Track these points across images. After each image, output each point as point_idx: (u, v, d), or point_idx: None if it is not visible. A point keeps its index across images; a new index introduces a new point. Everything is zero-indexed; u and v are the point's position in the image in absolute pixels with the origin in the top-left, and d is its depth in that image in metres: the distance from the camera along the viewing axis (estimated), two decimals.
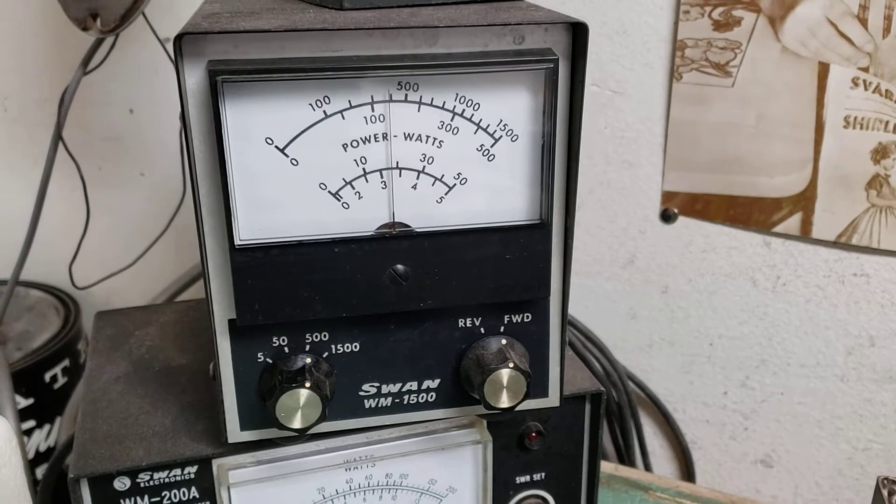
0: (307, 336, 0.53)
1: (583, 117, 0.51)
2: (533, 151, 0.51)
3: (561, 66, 0.50)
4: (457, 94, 0.49)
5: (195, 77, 0.46)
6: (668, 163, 0.94)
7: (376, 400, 0.56)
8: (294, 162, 0.49)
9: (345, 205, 0.50)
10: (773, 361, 0.99)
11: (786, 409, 1.00)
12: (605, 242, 1.01)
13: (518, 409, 0.55)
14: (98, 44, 0.92)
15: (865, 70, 0.84)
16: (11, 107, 1.17)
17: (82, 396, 0.63)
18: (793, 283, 0.95)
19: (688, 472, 1.06)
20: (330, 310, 0.52)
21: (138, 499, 0.55)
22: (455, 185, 0.51)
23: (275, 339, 0.53)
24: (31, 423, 1.05)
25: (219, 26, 0.46)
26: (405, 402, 0.57)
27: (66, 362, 1.09)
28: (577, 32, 0.50)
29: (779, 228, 0.93)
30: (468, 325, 0.56)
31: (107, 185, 1.16)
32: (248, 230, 0.50)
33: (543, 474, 0.64)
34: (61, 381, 1.08)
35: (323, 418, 0.52)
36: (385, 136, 0.49)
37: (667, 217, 0.97)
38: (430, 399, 0.57)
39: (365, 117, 0.49)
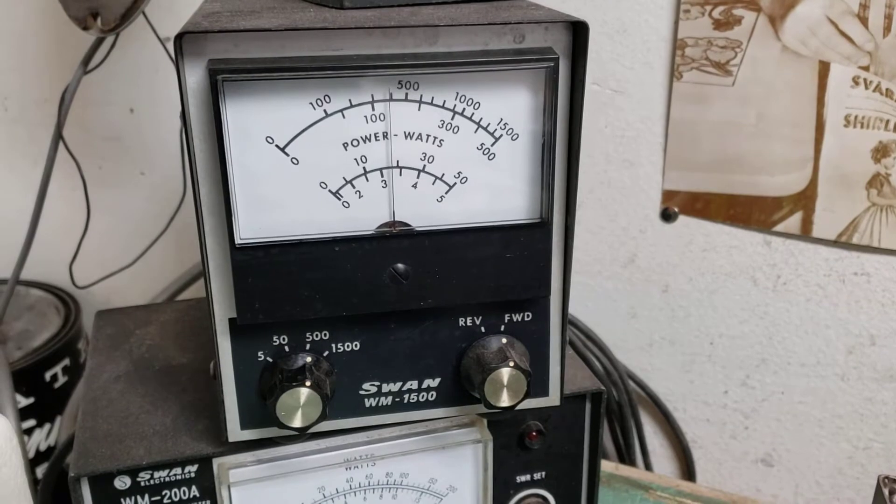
0: (307, 335, 0.53)
1: (583, 116, 0.51)
2: (533, 150, 0.51)
3: (561, 65, 0.49)
4: (457, 93, 0.49)
5: (196, 76, 0.46)
6: (668, 162, 0.94)
7: (377, 399, 0.56)
8: (294, 161, 0.49)
9: (345, 204, 0.50)
10: (773, 360, 0.99)
11: (786, 409, 1.00)
12: (606, 241, 1.01)
13: (518, 408, 0.55)
14: (98, 43, 0.92)
15: (866, 69, 0.84)
16: (11, 106, 1.17)
17: (83, 395, 0.63)
18: (793, 283, 0.95)
19: (688, 472, 1.06)
20: (330, 309, 0.52)
21: (139, 498, 0.55)
22: (455, 184, 0.51)
23: (275, 338, 0.53)
24: (31, 423, 1.05)
25: (219, 25, 0.46)
26: (405, 401, 0.57)
27: (66, 361, 1.09)
28: (578, 31, 0.49)
29: (779, 227, 0.93)
30: (468, 324, 0.56)
31: (107, 185, 1.16)
32: (249, 229, 0.50)
33: (544, 473, 0.64)
34: (61, 380, 1.08)
35: (323, 417, 0.51)
36: (385, 135, 0.49)
37: (667, 216, 0.97)
38: (430, 398, 0.57)
39: (365, 116, 0.48)
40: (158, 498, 0.55)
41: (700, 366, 1.02)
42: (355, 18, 0.48)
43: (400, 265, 0.52)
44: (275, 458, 0.56)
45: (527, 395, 0.54)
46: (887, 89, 0.84)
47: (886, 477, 0.59)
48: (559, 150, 0.52)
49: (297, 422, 0.51)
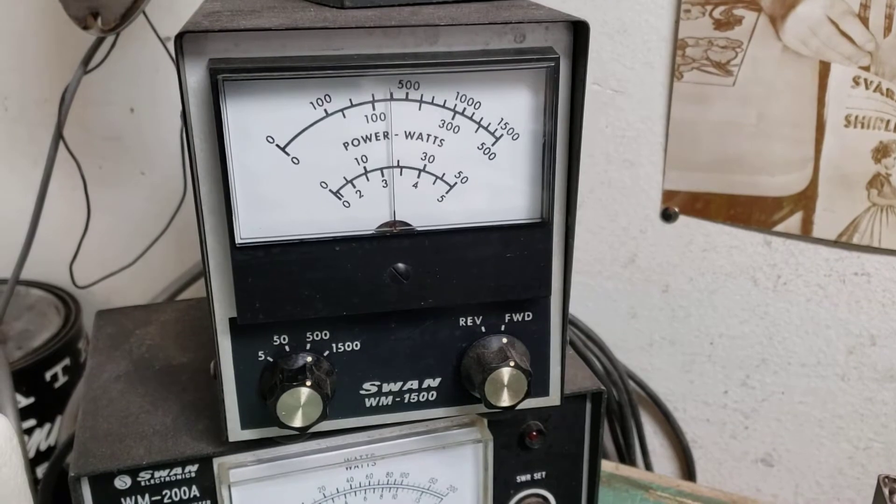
0: (308, 335, 0.53)
1: (584, 116, 0.51)
2: (534, 150, 0.51)
3: (562, 65, 0.49)
4: (458, 93, 0.49)
5: (196, 76, 0.46)
6: (668, 162, 0.94)
7: (377, 399, 0.56)
8: (295, 160, 0.49)
9: (345, 203, 0.50)
10: (773, 360, 0.99)
11: (786, 409, 1.00)
12: (606, 241, 1.01)
13: (519, 407, 0.55)
14: (98, 43, 0.92)
15: (866, 69, 0.84)
16: (12, 106, 1.17)
17: (83, 395, 0.63)
18: (793, 283, 0.95)
19: (688, 472, 1.06)
20: (331, 308, 0.52)
21: (139, 497, 0.55)
22: (456, 183, 0.51)
23: (275, 338, 0.53)
24: (31, 422, 1.05)
25: (219, 25, 0.46)
26: (406, 400, 0.57)
27: (66, 361, 1.09)
28: (578, 31, 0.49)
29: (779, 227, 0.93)
30: (469, 323, 0.56)
31: (107, 185, 1.16)
32: (249, 229, 0.50)
33: (544, 473, 0.64)
34: (62, 380, 1.08)
35: (323, 417, 0.51)
36: (386, 135, 0.49)
37: (667, 216, 0.97)
38: (430, 398, 0.57)
39: (366, 116, 0.48)
40: (159, 498, 0.55)
41: (700, 366, 1.02)
42: (356, 18, 0.48)
43: (400, 265, 0.52)
44: (275, 457, 0.56)
45: (527, 395, 0.54)
46: (888, 89, 0.84)
47: (887, 477, 0.59)
48: (560, 150, 0.52)
49: (298, 421, 0.51)
